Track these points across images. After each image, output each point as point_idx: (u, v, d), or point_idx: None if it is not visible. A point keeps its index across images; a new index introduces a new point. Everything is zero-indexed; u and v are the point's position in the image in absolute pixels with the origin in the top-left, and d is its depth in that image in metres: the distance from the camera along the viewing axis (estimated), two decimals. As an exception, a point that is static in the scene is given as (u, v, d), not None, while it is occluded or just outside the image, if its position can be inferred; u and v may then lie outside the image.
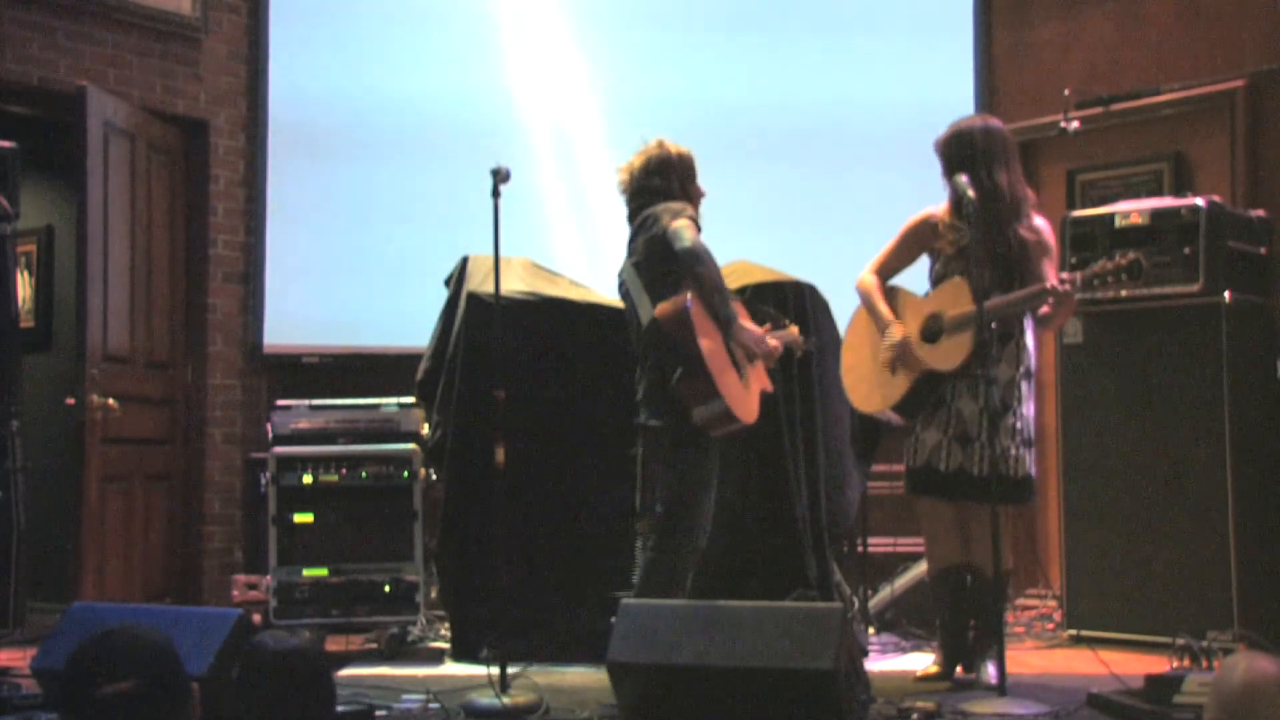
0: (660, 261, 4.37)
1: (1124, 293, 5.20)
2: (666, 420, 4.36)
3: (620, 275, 4.63)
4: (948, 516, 4.58)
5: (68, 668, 2.34)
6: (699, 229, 4.40)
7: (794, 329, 4.80)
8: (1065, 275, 4.35)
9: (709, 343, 4.25)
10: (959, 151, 4.46)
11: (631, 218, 4.61)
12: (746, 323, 4.46)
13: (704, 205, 4.64)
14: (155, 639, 2.37)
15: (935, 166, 4.58)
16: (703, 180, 4.65)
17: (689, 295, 4.27)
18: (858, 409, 4.89)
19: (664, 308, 4.31)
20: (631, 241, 4.58)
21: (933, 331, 4.48)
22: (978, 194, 4.32)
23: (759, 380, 4.51)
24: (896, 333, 4.52)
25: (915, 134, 6.43)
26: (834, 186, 6.60)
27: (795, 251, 5.91)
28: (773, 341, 4.57)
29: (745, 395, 4.38)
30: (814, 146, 6.67)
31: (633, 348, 4.58)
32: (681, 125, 6.37)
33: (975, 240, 4.27)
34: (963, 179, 4.34)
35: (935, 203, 4.65)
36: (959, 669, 4.60)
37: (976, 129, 4.50)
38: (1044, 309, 4.43)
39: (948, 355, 4.39)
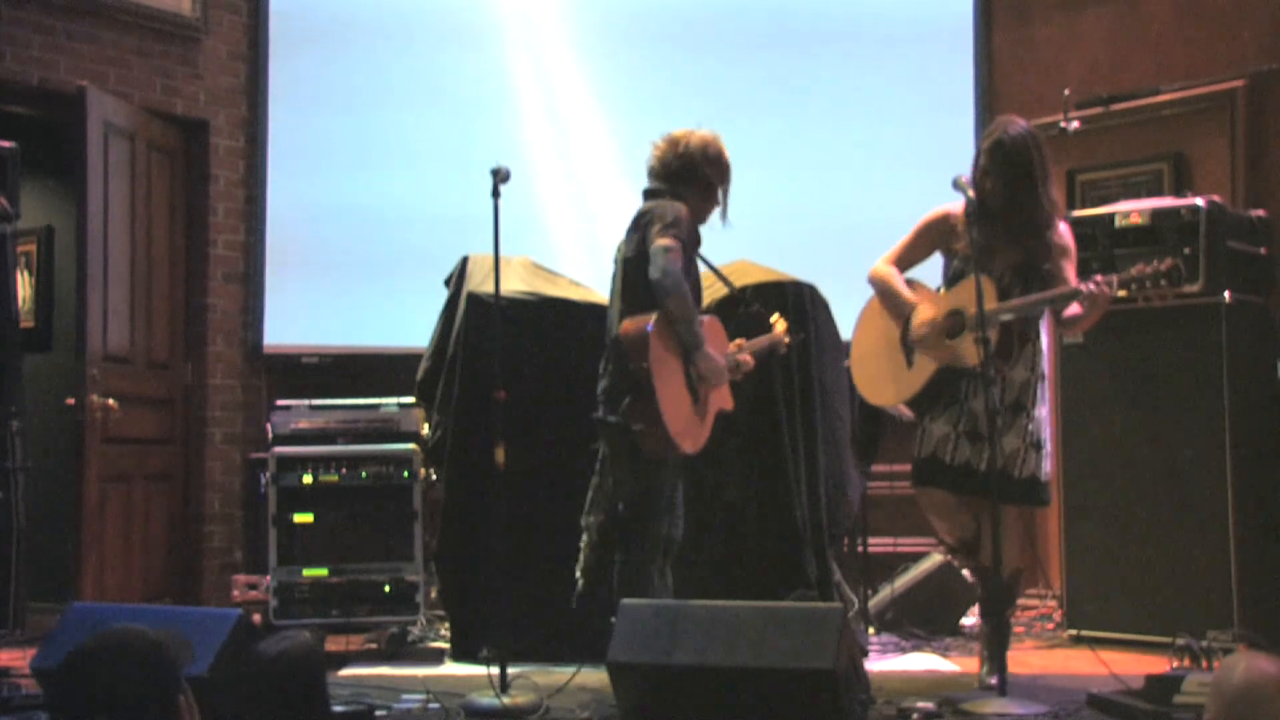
0: (643, 272, 4.32)
1: (1122, 293, 5.18)
2: (622, 442, 4.33)
3: (615, 256, 4.57)
4: (950, 506, 4.54)
5: (60, 671, 2.34)
6: (686, 244, 4.32)
7: (779, 328, 4.78)
8: (1100, 278, 4.26)
9: (664, 370, 4.23)
10: (1014, 165, 4.34)
11: (646, 196, 4.51)
12: (711, 349, 4.37)
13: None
14: (148, 642, 2.36)
15: (938, 166, 4.53)
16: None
17: (652, 320, 4.23)
18: (868, 401, 4.81)
19: (628, 326, 4.28)
20: (630, 232, 4.49)
21: (955, 327, 4.42)
22: (1037, 208, 4.32)
23: (719, 402, 4.47)
24: (925, 313, 4.45)
25: (916, 134, 6.51)
26: (831, 183, 6.60)
27: (784, 244, 5.93)
28: (743, 357, 4.55)
29: (695, 424, 4.34)
30: (812, 142, 6.67)
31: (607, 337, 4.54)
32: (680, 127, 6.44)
33: (974, 240, 4.24)
34: (963, 179, 4.31)
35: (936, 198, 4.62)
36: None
37: (1029, 141, 4.36)
38: (1075, 310, 4.36)
39: (970, 351, 4.35)
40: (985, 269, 4.30)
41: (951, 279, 4.54)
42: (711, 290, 5.04)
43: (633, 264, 4.39)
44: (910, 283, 4.61)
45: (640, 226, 4.41)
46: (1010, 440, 4.38)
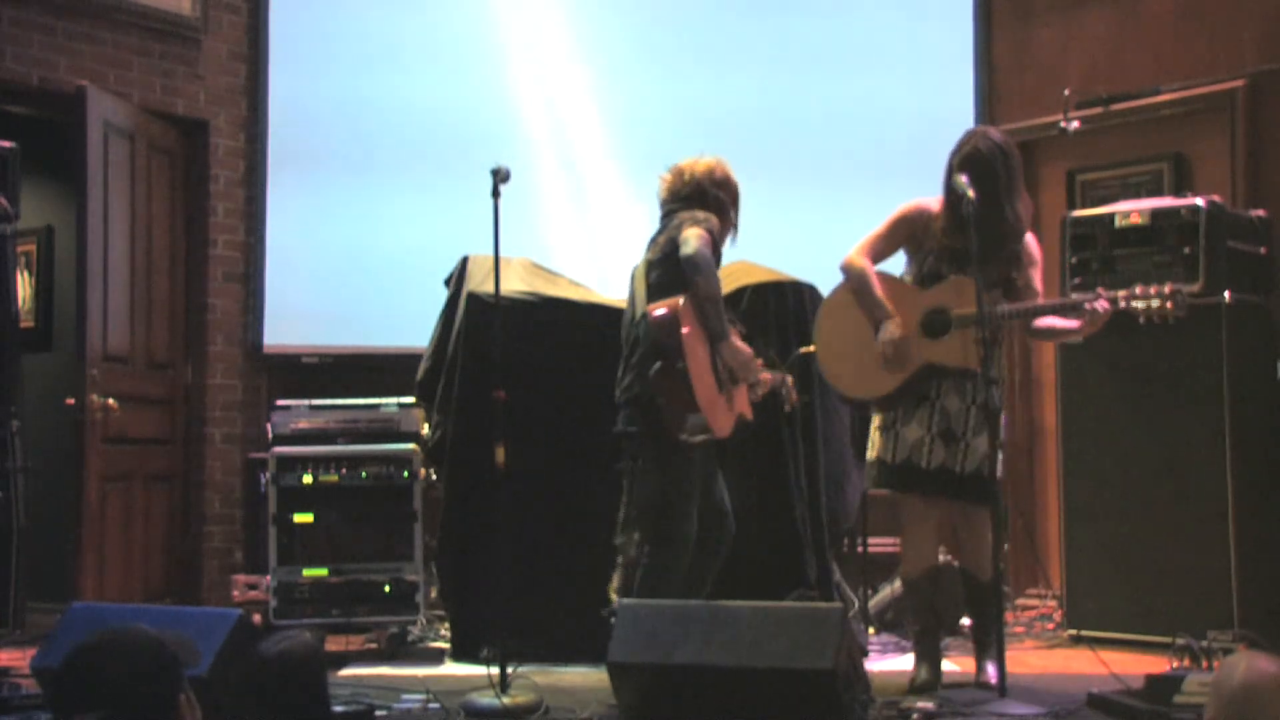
0: (672, 262, 4.36)
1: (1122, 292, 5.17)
2: (650, 425, 4.34)
3: (633, 272, 4.62)
4: (933, 518, 4.54)
5: (62, 666, 2.35)
6: (715, 243, 4.38)
7: (789, 378, 4.78)
8: (1105, 294, 4.25)
9: (694, 349, 4.24)
10: (982, 178, 4.29)
11: (665, 218, 4.56)
12: (738, 342, 4.43)
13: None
14: (150, 640, 2.36)
15: (937, 168, 4.50)
16: None
17: (682, 300, 4.26)
18: (839, 390, 4.72)
19: (656, 307, 4.31)
20: (653, 240, 4.54)
21: (938, 326, 4.38)
22: (991, 223, 4.27)
23: (740, 402, 4.49)
24: (895, 330, 4.36)
25: (916, 134, 6.50)
26: (832, 186, 6.59)
27: (785, 244, 5.92)
28: (764, 375, 4.57)
29: (722, 407, 4.36)
30: (812, 145, 6.67)
31: (621, 341, 4.57)
32: (680, 127, 6.45)
33: (976, 241, 4.18)
34: (963, 179, 4.28)
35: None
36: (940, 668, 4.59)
37: (998, 157, 4.32)
38: (1051, 322, 4.39)
39: (960, 352, 4.30)
40: (962, 273, 4.30)
41: (928, 278, 4.46)
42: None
43: (659, 264, 4.43)
44: (888, 277, 4.53)
45: (668, 230, 4.46)
46: (982, 441, 4.36)
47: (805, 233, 6.40)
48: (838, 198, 6.55)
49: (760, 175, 6.46)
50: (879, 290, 4.45)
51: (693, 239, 4.28)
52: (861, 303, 4.49)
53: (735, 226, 4.64)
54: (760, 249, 5.51)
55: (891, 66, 6.69)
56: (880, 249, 4.55)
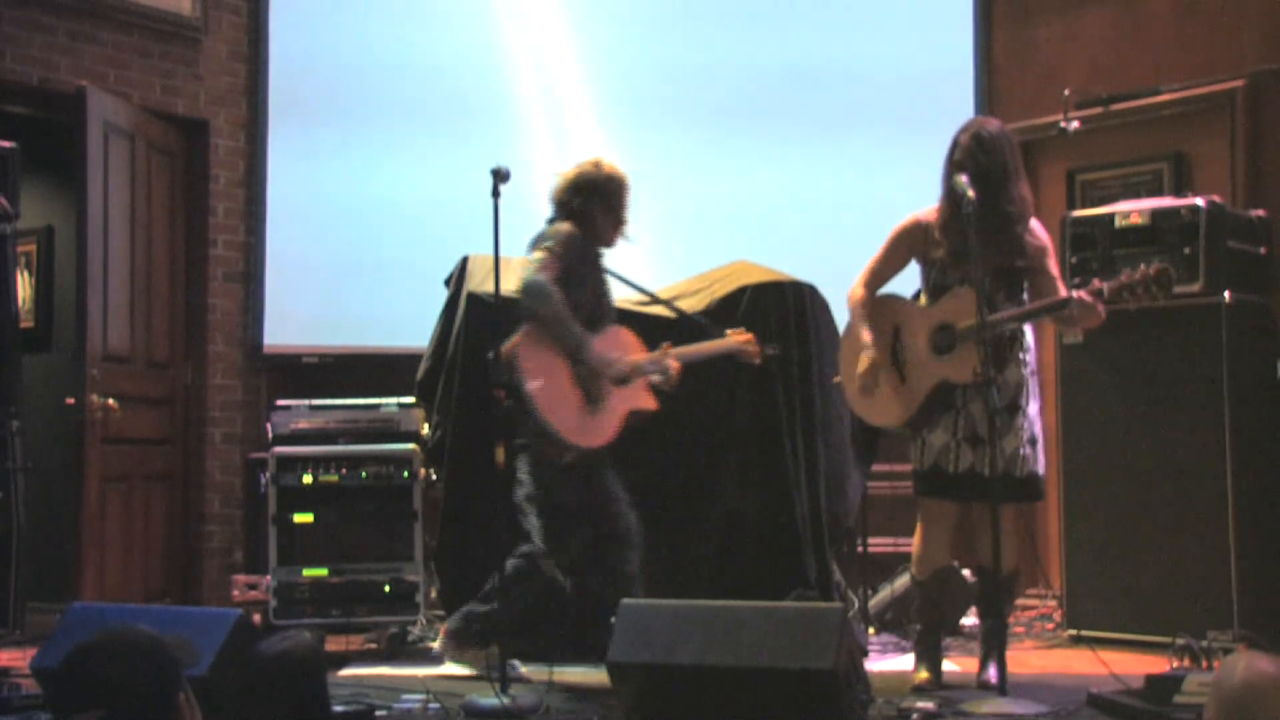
0: None
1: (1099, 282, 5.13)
2: (531, 439, 4.49)
3: None
4: (950, 521, 4.55)
5: (62, 666, 2.35)
6: (564, 257, 4.45)
7: (736, 338, 4.82)
8: (1097, 284, 4.25)
9: (539, 377, 4.36)
10: (991, 158, 4.32)
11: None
12: (600, 344, 4.48)
13: (696, 200, 4.64)
14: (149, 640, 2.36)
15: (935, 165, 4.49)
16: (682, 178, 4.68)
17: (519, 336, 4.39)
18: (870, 423, 4.79)
19: (507, 346, 4.40)
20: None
21: (945, 343, 4.37)
22: (984, 208, 4.24)
23: (629, 400, 4.56)
24: (864, 362, 4.45)
25: (916, 133, 6.49)
26: (831, 184, 6.59)
27: (785, 245, 5.93)
28: (669, 361, 4.61)
29: (590, 422, 4.47)
30: (812, 144, 6.67)
31: None
32: (674, 117, 6.45)
33: (976, 244, 4.18)
34: (963, 179, 4.27)
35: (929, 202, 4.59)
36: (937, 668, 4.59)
37: (1003, 141, 4.36)
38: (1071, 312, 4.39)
39: (962, 367, 4.30)
40: (966, 274, 4.29)
41: (932, 290, 4.48)
42: (698, 298, 5.12)
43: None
44: (900, 300, 4.56)
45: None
46: (1009, 441, 4.36)
47: (804, 205, 6.43)
48: (834, 195, 6.55)
49: (757, 175, 6.52)
50: (865, 325, 4.50)
51: (520, 270, 4.44)
52: (854, 339, 4.56)
53: (620, 221, 4.66)
54: (759, 244, 5.52)
55: (891, 66, 6.68)
56: (881, 272, 4.58)
